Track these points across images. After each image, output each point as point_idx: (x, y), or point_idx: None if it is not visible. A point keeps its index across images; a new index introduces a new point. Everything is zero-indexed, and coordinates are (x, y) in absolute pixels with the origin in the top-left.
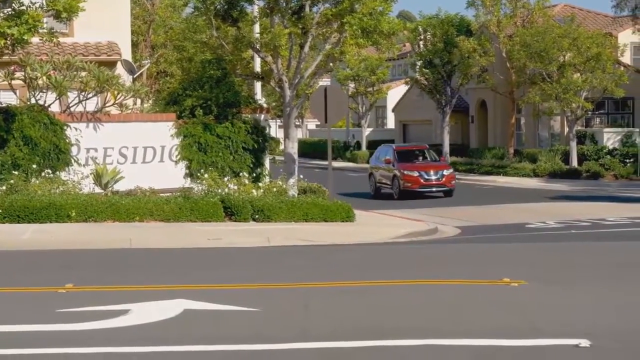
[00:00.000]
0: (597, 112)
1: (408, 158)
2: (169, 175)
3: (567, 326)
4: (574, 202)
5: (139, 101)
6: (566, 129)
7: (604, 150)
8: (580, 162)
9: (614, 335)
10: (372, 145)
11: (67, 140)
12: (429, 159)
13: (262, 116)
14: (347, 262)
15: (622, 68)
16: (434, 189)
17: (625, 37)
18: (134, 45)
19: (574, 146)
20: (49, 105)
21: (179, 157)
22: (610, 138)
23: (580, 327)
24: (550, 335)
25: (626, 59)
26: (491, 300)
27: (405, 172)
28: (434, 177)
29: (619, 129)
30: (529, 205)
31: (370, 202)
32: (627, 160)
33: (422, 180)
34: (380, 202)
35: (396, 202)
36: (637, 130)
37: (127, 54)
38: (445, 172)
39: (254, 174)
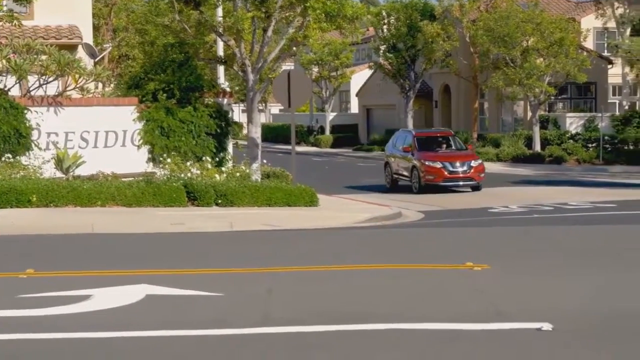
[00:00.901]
0: (560, 97)
1: (430, 146)
2: (131, 160)
3: (529, 310)
4: (536, 186)
5: (100, 85)
6: (529, 114)
7: (567, 135)
8: (543, 147)
9: (575, 319)
10: (336, 129)
11: (27, 125)
12: (454, 147)
13: (225, 100)
14: (310, 247)
15: (584, 53)
16: (460, 183)
17: (588, 22)
18: (96, 28)
19: (537, 131)
20: (8, 89)
21: (141, 141)
22: (573, 123)
23: (542, 311)
24: (512, 319)
25: (589, 44)
26: (454, 285)
27: (427, 163)
28: (460, 169)
29: (582, 114)
30: (492, 189)
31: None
32: (590, 145)
33: (446, 173)
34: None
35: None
36: (600, 115)
37: (88, 37)
38: (473, 163)
39: (217, 159)
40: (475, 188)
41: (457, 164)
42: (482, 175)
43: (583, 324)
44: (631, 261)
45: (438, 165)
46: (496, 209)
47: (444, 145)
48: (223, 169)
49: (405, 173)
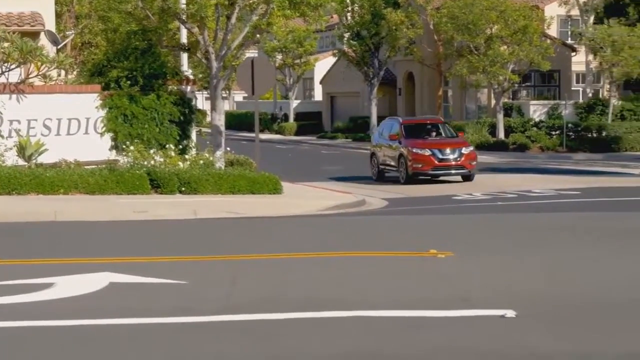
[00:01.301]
0: (523, 85)
1: (418, 133)
2: (94, 148)
3: (493, 297)
4: (500, 174)
5: (63, 72)
6: (493, 102)
7: (531, 123)
8: (507, 135)
9: (538, 305)
10: (300, 117)
11: None
12: (443, 134)
13: (189, 88)
14: (274, 235)
15: (548, 41)
16: (451, 171)
17: (552, 9)
18: (58, 15)
19: (500, 118)
20: None
21: (104, 129)
22: (537, 110)
23: (505, 298)
24: (476, 306)
25: (552, 31)
26: (418, 272)
27: (414, 151)
28: (450, 157)
29: (546, 102)
30: (455, 177)
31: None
32: (553, 133)
33: (435, 161)
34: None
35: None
36: (563, 102)
37: (51, 24)
38: (464, 150)
39: (181, 146)
40: (467, 177)
41: (447, 151)
42: (474, 163)
43: (545, 310)
44: (594, 248)
45: (427, 152)
46: (460, 197)
47: (433, 133)
48: (186, 156)
49: (392, 163)
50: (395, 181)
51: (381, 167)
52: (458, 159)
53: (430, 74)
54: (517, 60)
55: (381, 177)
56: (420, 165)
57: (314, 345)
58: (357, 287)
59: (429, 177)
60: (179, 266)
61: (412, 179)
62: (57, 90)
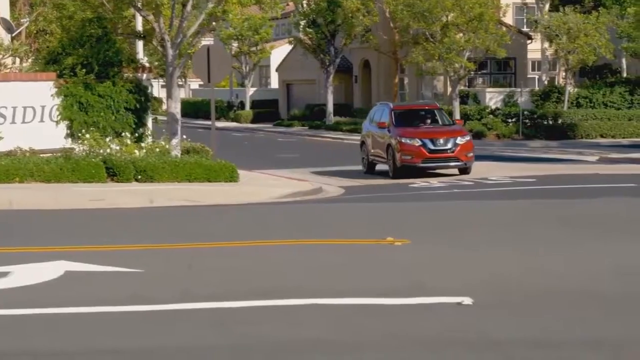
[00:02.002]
0: (479, 72)
1: (410, 121)
2: (50, 136)
3: (450, 284)
4: None
5: (18, 60)
6: (449, 89)
7: (487, 110)
8: (463, 122)
9: (494, 292)
10: (256, 105)
11: None
12: (440, 122)
13: (145, 76)
14: (231, 223)
15: (504, 28)
16: (444, 163)
17: None
18: (12, 3)
19: (456, 106)
20: None
21: (59, 117)
22: (493, 98)
23: (462, 285)
24: (434, 294)
25: (508, 19)
26: (376, 260)
27: (403, 140)
28: (443, 148)
29: (501, 89)
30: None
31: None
32: (510, 120)
33: (425, 152)
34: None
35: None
36: (519, 90)
37: (4, 12)
38: (460, 140)
39: (137, 134)
40: (463, 170)
41: (440, 141)
42: (471, 155)
43: (501, 297)
44: (551, 236)
45: (416, 142)
46: (416, 185)
47: (428, 120)
48: (142, 144)
49: (382, 153)
50: (386, 174)
51: (371, 158)
52: (452, 149)
53: (386, 61)
54: (473, 48)
55: (371, 169)
56: (409, 157)
57: (273, 333)
58: (315, 275)
59: (420, 170)
60: (135, 255)
61: (401, 172)
62: (11, 78)
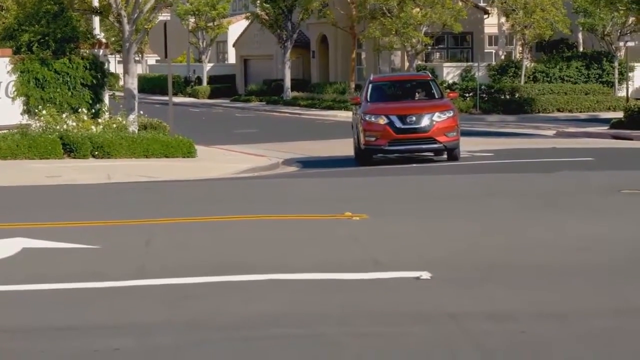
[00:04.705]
0: (437, 47)
1: (388, 95)
2: (6, 112)
3: (408, 259)
4: None
5: None
6: (407, 64)
7: (444, 85)
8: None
9: (452, 266)
10: (213, 80)
11: None
12: (425, 96)
13: (101, 51)
14: (189, 198)
15: (460, 3)
16: (415, 146)
17: None
18: None
19: None
20: None
21: (16, 93)
22: (450, 72)
23: (420, 260)
24: (392, 269)
25: None
26: (333, 235)
27: (367, 118)
28: (415, 126)
29: (459, 64)
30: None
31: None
32: (467, 95)
33: (392, 132)
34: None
35: (237, 134)
36: (476, 64)
37: None
38: (438, 117)
39: (93, 110)
40: (441, 153)
41: (412, 118)
42: (453, 134)
43: (459, 271)
44: (509, 210)
45: (381, 120)
46: (375, 159)
47: (414, 94)
48: (99, 120)
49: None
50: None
51: (355, 142)
52: (426, 128)
53: (343, 36)
54: (430, 23)
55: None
56: (373, 139)
57: (230, 308)
58: (272, 251)
59: (388, 154)
60: (92, 231)
61: (366, 157)
62: None
